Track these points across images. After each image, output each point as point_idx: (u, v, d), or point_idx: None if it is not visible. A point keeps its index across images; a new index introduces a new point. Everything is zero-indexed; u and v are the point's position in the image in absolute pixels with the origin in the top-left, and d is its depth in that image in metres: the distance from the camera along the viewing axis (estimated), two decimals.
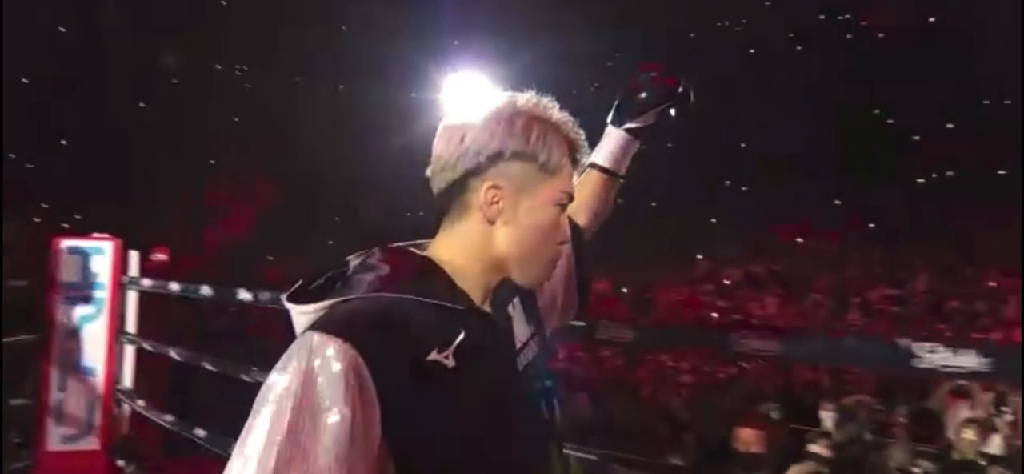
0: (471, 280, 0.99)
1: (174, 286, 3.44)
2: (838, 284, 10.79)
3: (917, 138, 11.99)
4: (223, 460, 0.87)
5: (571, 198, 1.04)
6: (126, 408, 3.74)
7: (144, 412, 3.59)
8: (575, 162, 1.04)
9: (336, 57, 10.77)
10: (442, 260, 0.99)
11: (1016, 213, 8.92)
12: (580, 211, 1.29)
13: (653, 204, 15.40)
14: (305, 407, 0.82)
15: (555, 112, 1.03)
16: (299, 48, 10.56)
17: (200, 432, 3.05)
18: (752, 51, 11.27)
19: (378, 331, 0.88)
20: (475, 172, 0.98)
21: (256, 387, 0.90)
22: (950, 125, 11.48)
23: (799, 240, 13.54)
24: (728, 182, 14.74)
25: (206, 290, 3.17)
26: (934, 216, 11.31)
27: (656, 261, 12.51)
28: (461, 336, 0.92)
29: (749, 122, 13.41)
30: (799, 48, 11.55)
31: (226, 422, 2.75)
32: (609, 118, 1.35)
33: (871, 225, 13.14)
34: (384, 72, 10.60)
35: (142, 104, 10.44)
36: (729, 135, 13.64)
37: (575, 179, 1.07)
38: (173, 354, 3.43)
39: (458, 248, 1.00)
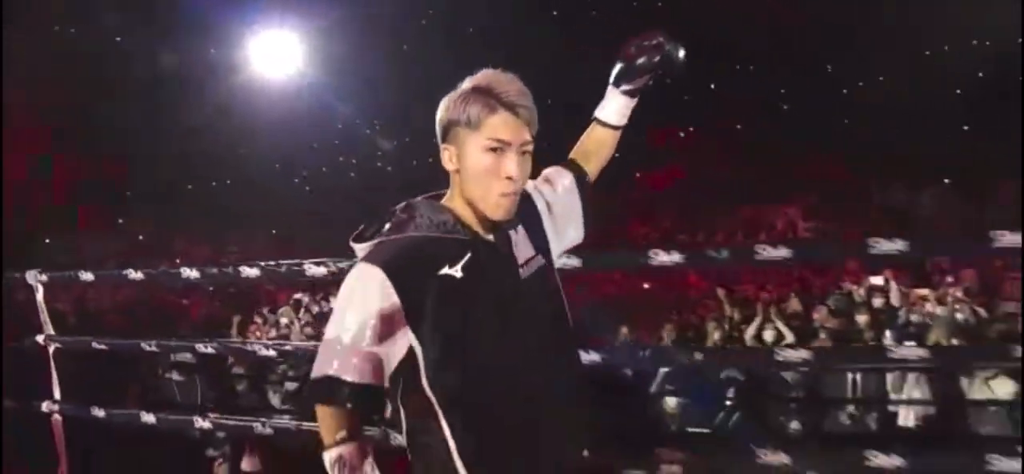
0: (472, 217, 1.35)
1: None
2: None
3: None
4: None
5: (500, 142, 1.29)
6: None
7: None
8: (509, 108, 1.30)
9: (114, 4, 9.31)
10: (453, 206, 1.37)
11: None
12: (588, 158, 1.60)
13: (430, 159, 15.99)
14: (349, 307, 1.29)
15: (485, 78, 1.33)
16: None
17: None
18: (555, 11, 12.01)
19: (403, 257, 1.30)
20: (442, 142, 1.36)
21: None
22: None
23: None
24: None
25: None
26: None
27: None
28: (468, 256, 1.31)
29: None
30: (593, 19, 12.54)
31: None
32: (611, 78, 1.56)
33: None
34: (176, 25, 9.46)
35: None
36: None
37: (519, 128, 1.31)
38: None
39: (456, 196, 1.37)
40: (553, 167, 1.58)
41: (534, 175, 1.50)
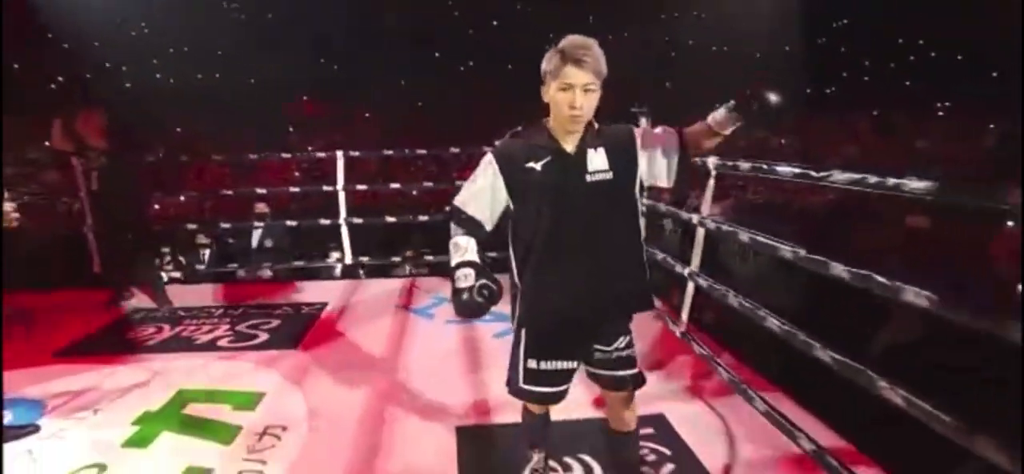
0: (560, 133, 1.99)
1: None
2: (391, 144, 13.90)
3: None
4: None
5: (568, 85, 1.88)
6: None
7: None
8: (576, 62, 1.86)
9: None
10: (549, 126, 2.01)
11: None
12: (696, 141, 2.03)
13: (252, 81, 16.73)
14: (476, 176, 2.03)
15: (564, 41, 1.89)
16: None
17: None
18: None
19: (508, 151, 2.01)
20: (542, 81, 1.96)
21: None
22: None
23: (367, 115, 17.05)
24: (322, 60, 16.94)
25: None
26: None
27: (252, 134, 14.00)
28: (548, 158, 1.97)
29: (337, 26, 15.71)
30: None
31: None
32: (727, 103, 1.92)
33: (419, 105, 17.39)
34: None
35: None
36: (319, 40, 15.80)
37: (581, 74, 1.86)
38: None
39: (551, 120, 2.00)
40: (672, 129, 2.05)
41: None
